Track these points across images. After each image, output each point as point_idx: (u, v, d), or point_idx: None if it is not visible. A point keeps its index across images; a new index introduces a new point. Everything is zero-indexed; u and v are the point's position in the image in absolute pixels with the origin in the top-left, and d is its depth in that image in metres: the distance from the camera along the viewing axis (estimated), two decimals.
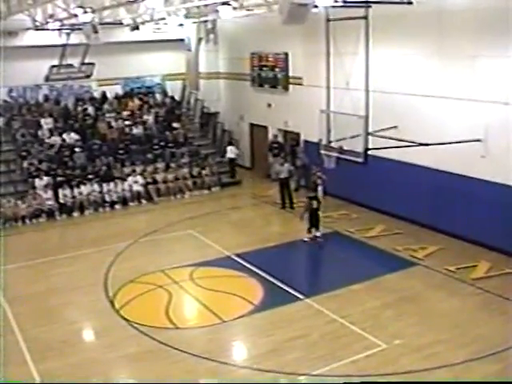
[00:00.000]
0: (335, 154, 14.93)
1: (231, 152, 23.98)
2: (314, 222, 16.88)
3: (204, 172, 22.76)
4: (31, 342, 11.84)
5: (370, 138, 13.99)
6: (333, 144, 14.90)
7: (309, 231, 16.88)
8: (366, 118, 13.83)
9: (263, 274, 14.62)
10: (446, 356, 10.77)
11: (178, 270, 15.07)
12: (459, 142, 14.78)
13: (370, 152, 14.11)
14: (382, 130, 15.29)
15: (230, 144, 24.43)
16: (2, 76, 20.91)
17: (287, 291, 13.75)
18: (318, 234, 16.85)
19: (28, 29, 21.51)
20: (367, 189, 18.78)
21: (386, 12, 15.12)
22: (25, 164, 21.31)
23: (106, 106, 24.65)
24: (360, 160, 14.09)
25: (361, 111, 14.04)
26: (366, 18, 13.50)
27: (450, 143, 14.91)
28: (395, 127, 16.46)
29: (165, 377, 10.56)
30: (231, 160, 23.95)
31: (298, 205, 19.71)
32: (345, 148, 14.56)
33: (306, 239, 16.85)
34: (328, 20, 14.45)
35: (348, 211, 19.09)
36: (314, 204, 16.77)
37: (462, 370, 10.33)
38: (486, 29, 14.50)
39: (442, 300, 13.17)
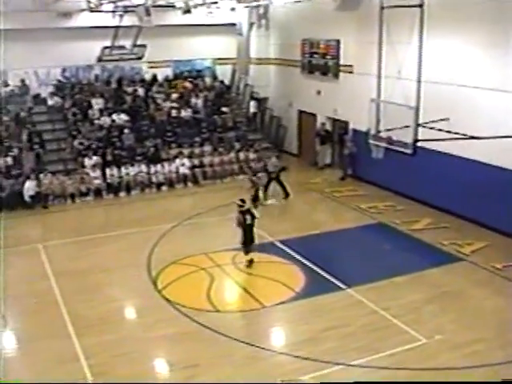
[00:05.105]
0: (384, 145, 14.72)
1: (253, 107, 25.54)
2: (248, 241, 14.34)
3: (251, 157, 22.77)
4: (74, 317, 12.11)
5: (419, 129, 13.75)
6: (382, 134, 14.70)
7: (245, 251, 14.41)
8: (417, 108, 13.56)
9: (306, 262, 14.60)
10: (486, 355, 10.58)
11: (220, 254, 15.17)
12: None
13: (418, 143, 13.86)
14: (433, 121, 14.98)
15: (253, 99, 25.61)
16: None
17: (329, 280, 13.70)
18: (248, 257, 14.44)
19: (82, 10, 21.86)
20: (414, 181, 18.49)
21: (442, 0, 14.76)
22: (75, 143, 21.71)
23: (155, 88, 24.85)
24: (408, 151, 13.86)
25: (411, 101, 13.78)
26: (421, 6, 13.19)
27: (504, 137, 14.50)
28: (447, 119, 16.11)
29: (201, 359, 10.67)
30: (254, 114, 25.59)
31: (342, 194, 19.84)
32: (394, 138, 14.35)
33: (243, 262, 14.43)
34: (382, 8, 14.19)
35: (394, 202, 18.86)
36: (248, 219, 14.34)
37: (501, 371, 10.11)
38: None
39: (486, 298, 12.91)
